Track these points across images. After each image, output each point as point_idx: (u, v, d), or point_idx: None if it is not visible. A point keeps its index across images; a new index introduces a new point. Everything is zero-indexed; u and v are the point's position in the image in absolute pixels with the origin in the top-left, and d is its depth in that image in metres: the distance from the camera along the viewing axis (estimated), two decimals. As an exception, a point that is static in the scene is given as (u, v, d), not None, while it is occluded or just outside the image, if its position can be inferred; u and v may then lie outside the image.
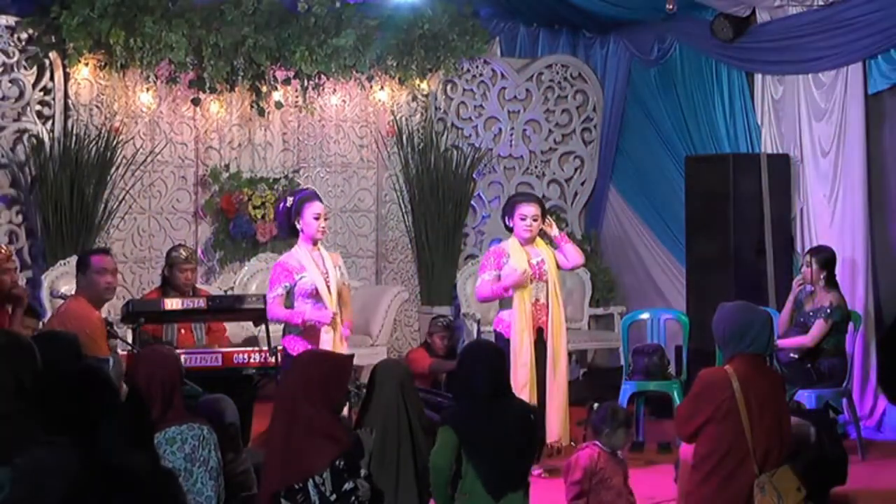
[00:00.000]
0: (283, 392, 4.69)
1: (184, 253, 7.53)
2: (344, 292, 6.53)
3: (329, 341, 6.29)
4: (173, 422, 4.34)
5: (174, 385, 4.40)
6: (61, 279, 8.17)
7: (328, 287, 6.37)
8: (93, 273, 6.26)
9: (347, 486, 4.45)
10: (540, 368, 6.92)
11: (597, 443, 5.22)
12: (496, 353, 5.13)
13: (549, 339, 6.98)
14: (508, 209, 7.16)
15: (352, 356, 5.18)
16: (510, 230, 7.13)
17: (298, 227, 6.44)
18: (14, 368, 3.62)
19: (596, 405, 5.82)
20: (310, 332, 6.33)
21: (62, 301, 6.82)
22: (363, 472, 4.59)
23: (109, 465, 3.46)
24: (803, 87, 8.89)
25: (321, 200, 6.58)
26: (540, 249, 7.09)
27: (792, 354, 7.45)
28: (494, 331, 7.10)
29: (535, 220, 7.01)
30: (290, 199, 6.54)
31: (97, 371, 3.81)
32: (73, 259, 7.45)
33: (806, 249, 8.17)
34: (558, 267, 7.12)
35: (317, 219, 6.41)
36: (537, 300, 6.97)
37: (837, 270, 7.70)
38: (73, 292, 6.60)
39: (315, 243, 6.46)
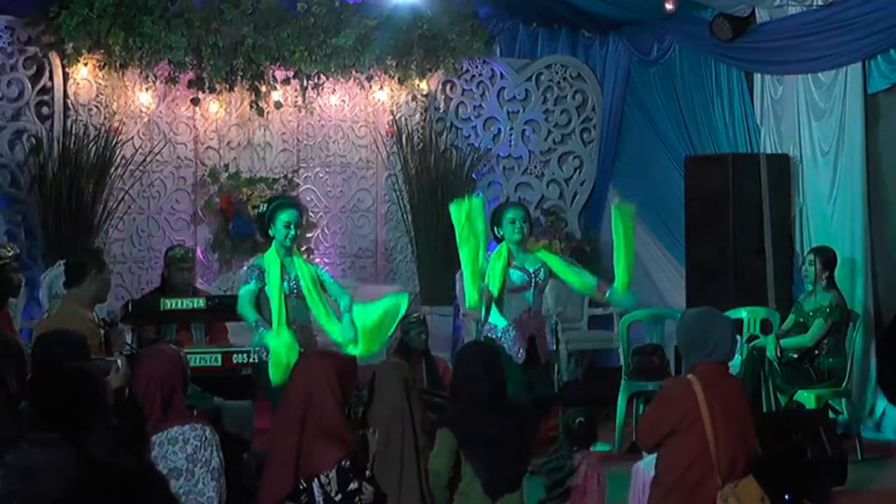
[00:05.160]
0: (293, 390, 4.66)
1: (179, 252, 7.57)
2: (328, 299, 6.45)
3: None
4: (175, 422, 4.33)
5: (174, 384, 4.38)
6: (60, 279, 8.14)
7: (285, 296, 6.25)
8: (107, 273, 6.27)
9: (352, 486, 4.45)
10: None
11: (592, 456, 5.15)
12: (493, 353, 5.12)
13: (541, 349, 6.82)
14: (496, 218, 6.92)
15: (355, 356, 5.19)
16: (500, 240, 6.89)
17: (271, 233, 6.38)
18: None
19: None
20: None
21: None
22: (367, 473, 4.59)
23: (94, 464, 3.46)
24: (803, 87, 8.89)
25: (297, 208, 6.51)
26: (538, 256, 6.90)
27: (792, 354, 7.45)
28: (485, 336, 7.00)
29: (524, 222, 6.81)
30: (263, 206, 6.49)
31: (90, 372, 3.80)
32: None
33: (807, 250, 8.18)
34: (559, 275, 6.89)
35: (286, 227, 6.33)
36: (530, 308, 6.76)
37: (837, 270, 7.72)
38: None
39: (288, 250, 6.38)
